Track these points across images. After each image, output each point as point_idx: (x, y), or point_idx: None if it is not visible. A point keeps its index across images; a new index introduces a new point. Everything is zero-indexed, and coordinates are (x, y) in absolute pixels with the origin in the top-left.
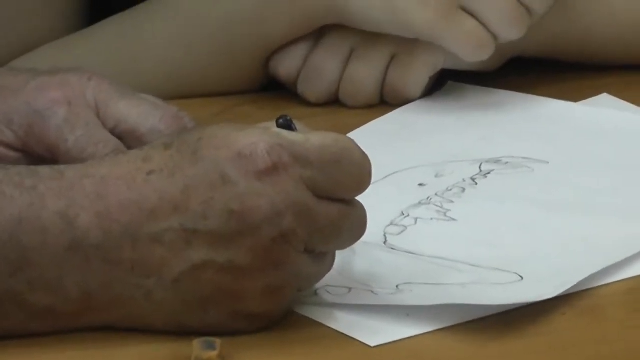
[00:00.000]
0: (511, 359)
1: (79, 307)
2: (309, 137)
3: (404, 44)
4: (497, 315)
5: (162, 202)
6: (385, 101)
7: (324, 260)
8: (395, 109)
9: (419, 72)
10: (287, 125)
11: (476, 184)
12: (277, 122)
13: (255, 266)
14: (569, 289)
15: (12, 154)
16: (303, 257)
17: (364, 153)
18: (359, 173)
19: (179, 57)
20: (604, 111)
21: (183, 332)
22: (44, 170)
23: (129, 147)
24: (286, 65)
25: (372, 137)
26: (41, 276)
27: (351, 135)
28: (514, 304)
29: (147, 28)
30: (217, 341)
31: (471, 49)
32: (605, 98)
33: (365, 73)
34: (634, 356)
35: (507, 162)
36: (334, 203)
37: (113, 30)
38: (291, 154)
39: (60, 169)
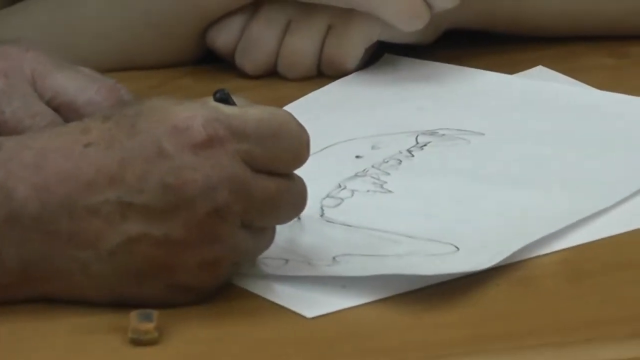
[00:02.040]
0: (446, 329)
1: (17, 279)
2: (247, 111)
3: (340, 15)
4: (432, 286)
5: (99, 174)
6: (323, 73)
7: (263, 235)
8: (333, 80)
9: (355, 44)
10: (225, 99)
11: (413, 155)
12: (214, 96)
13: (190, 240)
14: (504, 259)
15: None
16: (240, 232)
17: (301, 126)
18: (297, 146)
19: (116, 29)
20: (540, 83)
21: (120, 304)
22: None
23: (66, 120)
24: (223, 37)
25: (309, 109)
26: None
27: (289, 107)
28: (450, 275)
29: (83, 0)
30: (154, 313)
31: (406, 18)
32: (540, 70)
33: (302, 45)
34: (567, 327)
35: (443, 134)
36: (271, 177)
37: (50, 3)
38: (227, 127)
39: (1, 141)
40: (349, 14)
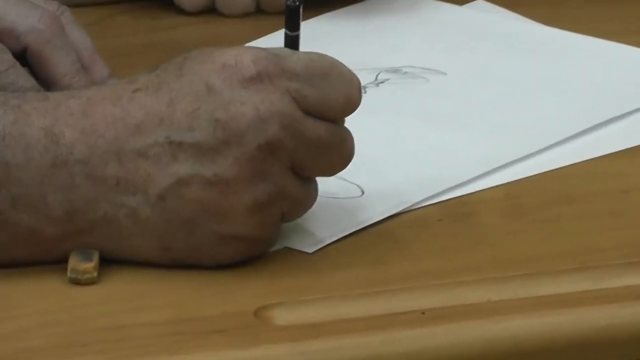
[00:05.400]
0: (385, 265)
1: (62, 229)
2: (296, 52)
3: None
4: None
5: (148, 116)
6: (262, 9)
7: (310, 186)
8: (271, 17)
9: None
10: (298, 6)
11: (365, 92)
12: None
13: (241, 178)
14: (441, 194)
15: None
16: (289, 174)
17: (351, 71)
18: (348, 89)
19: None
20: (515, 22)
21: (168, 259)
22: (30, 93)
23: (6, 46)
24: None
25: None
26: (25, 194)
27: (264, 40)
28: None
29: None
30: (95, 252)
31: None
32: (480, 3)
33: None
34: (506, 262)
35: (406, 72)
36: (321, 121)
37: None
38: (277, 65)
39: (47, 93)
40: None
